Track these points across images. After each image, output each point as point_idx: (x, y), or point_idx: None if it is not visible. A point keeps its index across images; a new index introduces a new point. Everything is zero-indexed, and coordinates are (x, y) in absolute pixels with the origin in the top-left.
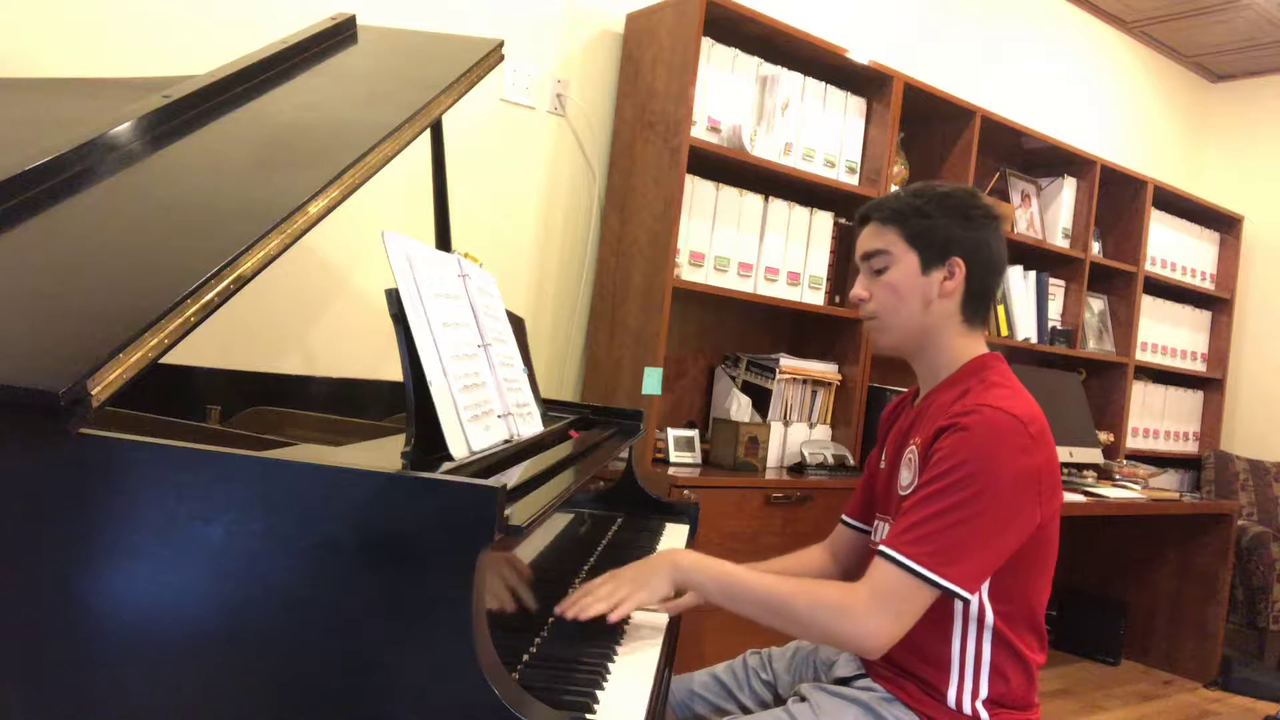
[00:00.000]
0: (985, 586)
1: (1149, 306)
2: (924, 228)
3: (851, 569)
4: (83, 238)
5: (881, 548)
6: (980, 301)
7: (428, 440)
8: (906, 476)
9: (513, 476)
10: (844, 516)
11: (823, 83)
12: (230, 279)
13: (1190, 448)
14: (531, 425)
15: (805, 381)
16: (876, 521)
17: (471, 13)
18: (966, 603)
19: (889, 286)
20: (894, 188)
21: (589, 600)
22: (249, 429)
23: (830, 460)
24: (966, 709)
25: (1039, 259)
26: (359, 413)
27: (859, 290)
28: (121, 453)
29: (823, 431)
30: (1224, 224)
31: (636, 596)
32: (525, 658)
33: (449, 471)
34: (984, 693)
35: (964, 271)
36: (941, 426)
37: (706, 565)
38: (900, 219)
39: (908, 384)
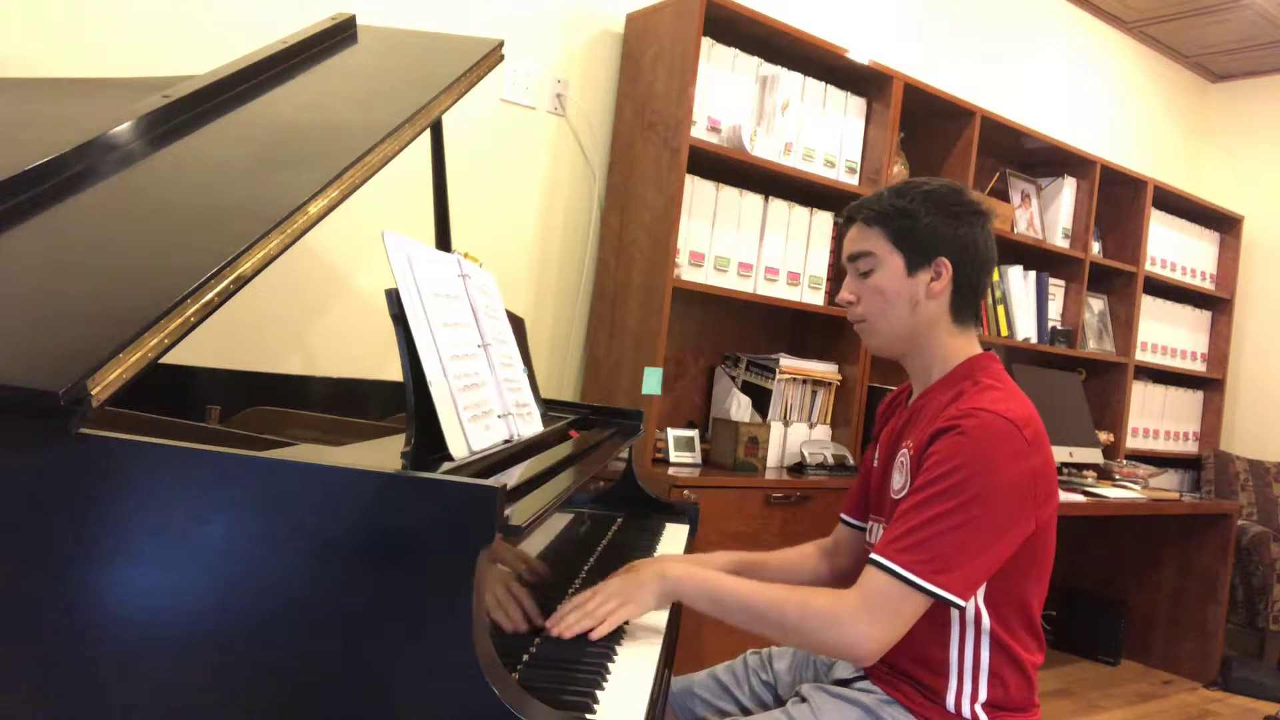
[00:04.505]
0: (981, 592)
1: (1149, 306)
2: (908, 228)
3: (850, 567)
4: (83, 238)
5: (873, 555)
6: (970, 300)
7: (428, 440)
8: (898, 480)
9: (513, 476)
10: (842, 515)
11: (823, 83)
12: (230, 279)
13: (1190, 448)
14: (531, 425)
15: (805, 381)
16: (870, 523)
17: (471, 13)
18: (962, 608)
19: (875, 290)
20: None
21: (574, 617)
22: (249, 429)
23: (830, 460)
24: (965, 712)
25: (1039, 259)
26: (359, 413)
27: (846, 294)
28: (121, 453)
29: (823, 431)
30: (1224, 224)
31: (621, 612)
32: (525, 658)
33: (449, 471)
34: (983, 696)
35: (951, 271)
36: (935, 431)
37: (694, 576)
38: (884, 220)
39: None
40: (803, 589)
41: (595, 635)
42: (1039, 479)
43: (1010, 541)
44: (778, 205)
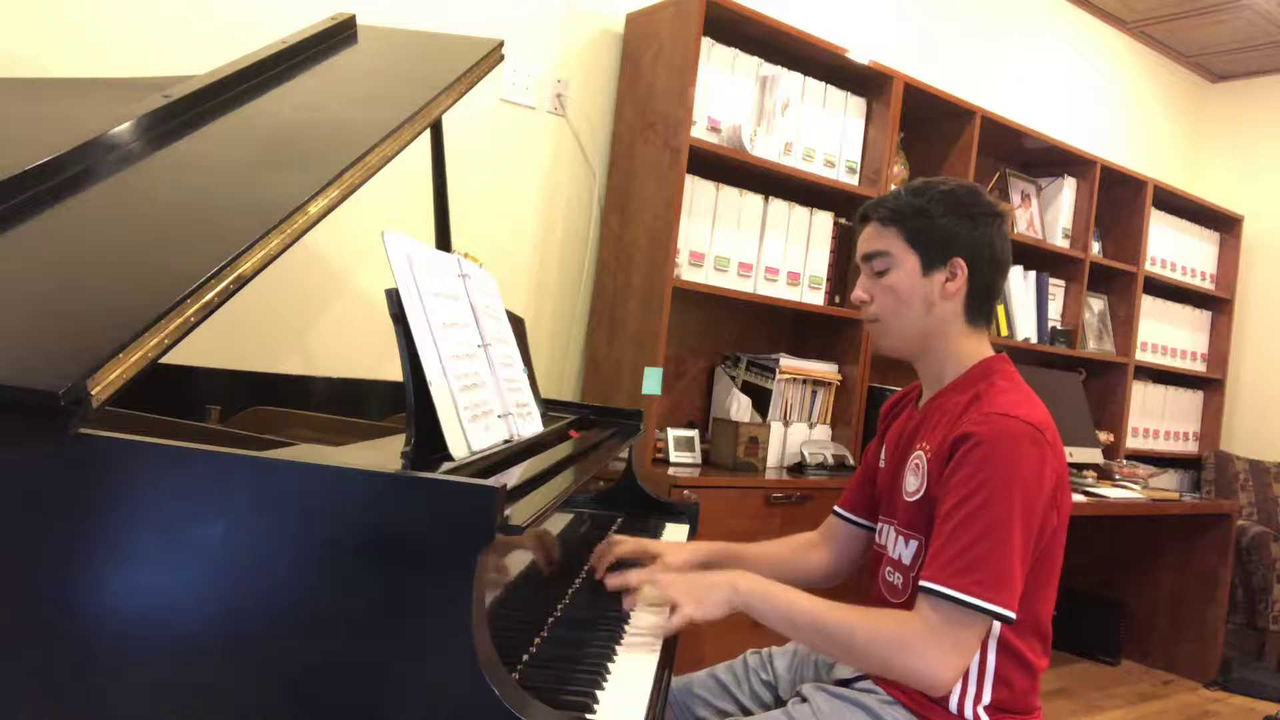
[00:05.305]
0: None
1: (1149, 306)
2: (924, 228)
3: (843, 561)
4: (83, 237)
5: (928, 584)
6: (984, 301)
7: (428, 440)
8: (913, 483)
9: (513, 476)
10: (836, 508)
11: (823, 83)
12: (230, 279)
13: (1190, 448)
14: (531, 425)
15: (805, 381)
16: (881, 524)
17: (471, 13)
18: (1014, 623)
19: (890, 289)
20: (894, 188)
21: (651, 593)
22: (249, 429)
23: (830, 460)
24: (968, 713)
25: (1039, 259)
26: (359, 413)
27: (860, 292)
28: (121, 453)
29: (823, 431)
30: (1224, 224)
31: (688, 610)
32: (525, 658)
33: (449, 471)
34: (986, 698)
35: (966, 272)
36: (957, 437)
37: (766, 591)
38: (900, 219)
39: (907, 384)
40: (873, 613)
41: (667, 627)
42: (1059, 481)
43: (1036, 544)
44: (778, 205)
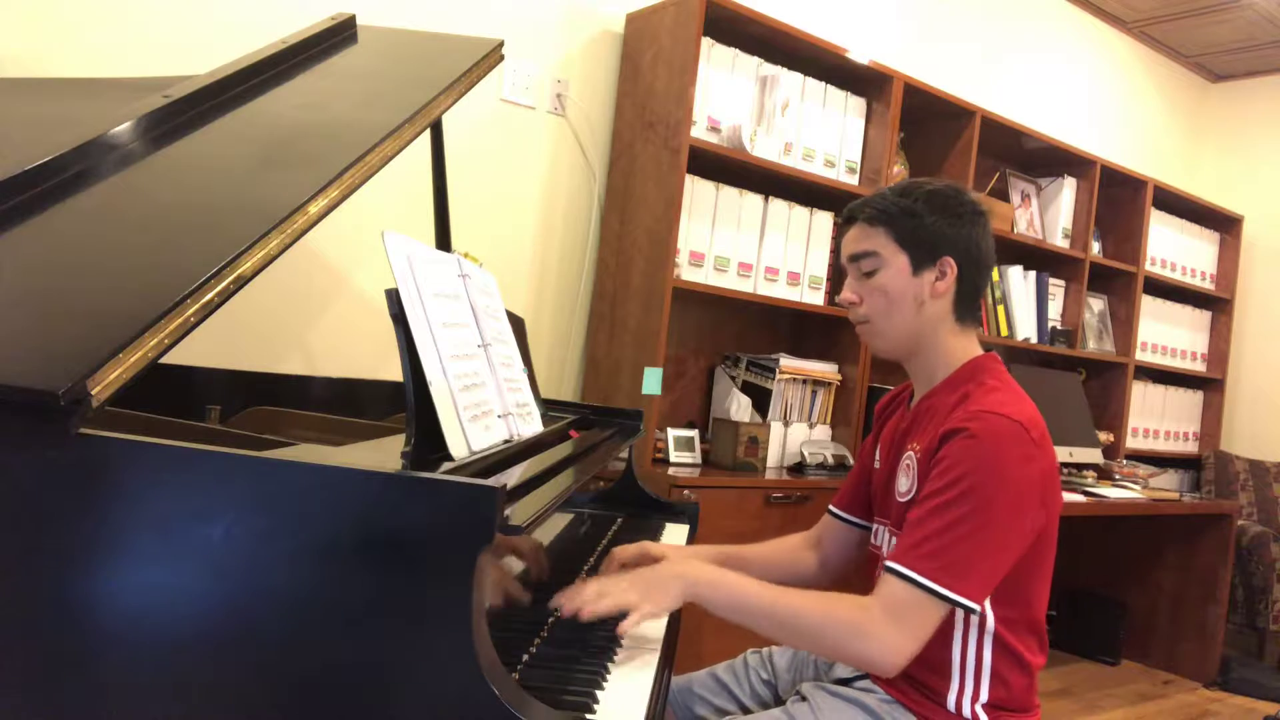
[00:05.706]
0: None
1: (1149, 306)
2: (913, 228)
3: (835, 561)
4: (83, 237)
5: (890, 564)
6: (972, 300)
7: (428, 440)
8: (905, 483)
9: (513, 476)
10: (831, 507)
11: (823, 83)
12: (230, 279)
13: (1190, 448)
14: (531, 425)
15: (805, 381)
16: (876, 525)
17: (472, 13)
18: (976, 612)
19: (879, 289)
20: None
21: (606, 606)
22: (249, 429)
23: (830, 460)
24: (966, 712)
25: (1039, 259)
26: (359, 413)
27: (848, 294)
28: (121, 453)
29: (822, 431)
30: (1224, 224)
31: (644, 609)
32: (525, 658)
33: (449, 471)
34: (984, 696)
35: (955, 271)
36: (944, 433)
37: (716, 579)
38: (888, 219)
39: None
40: (826, 596)
41: (623, 628)
42: (1046, 480)
43: (1020, 543)
44: (778, 205)
